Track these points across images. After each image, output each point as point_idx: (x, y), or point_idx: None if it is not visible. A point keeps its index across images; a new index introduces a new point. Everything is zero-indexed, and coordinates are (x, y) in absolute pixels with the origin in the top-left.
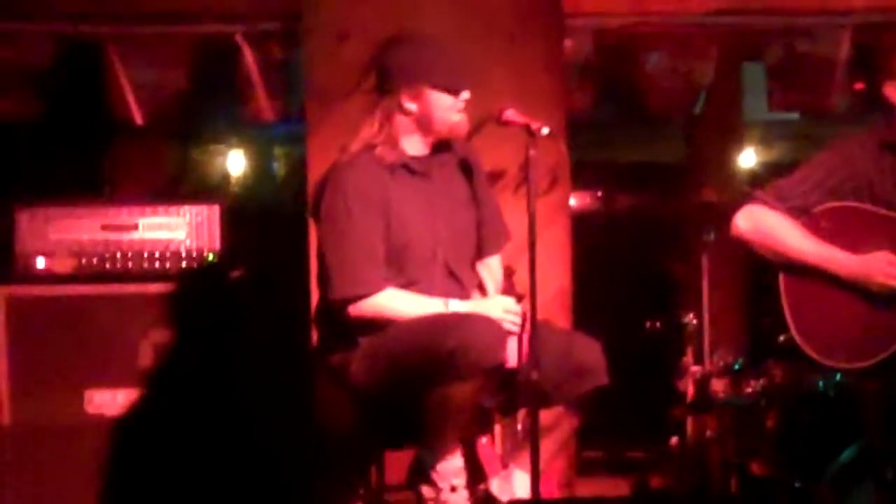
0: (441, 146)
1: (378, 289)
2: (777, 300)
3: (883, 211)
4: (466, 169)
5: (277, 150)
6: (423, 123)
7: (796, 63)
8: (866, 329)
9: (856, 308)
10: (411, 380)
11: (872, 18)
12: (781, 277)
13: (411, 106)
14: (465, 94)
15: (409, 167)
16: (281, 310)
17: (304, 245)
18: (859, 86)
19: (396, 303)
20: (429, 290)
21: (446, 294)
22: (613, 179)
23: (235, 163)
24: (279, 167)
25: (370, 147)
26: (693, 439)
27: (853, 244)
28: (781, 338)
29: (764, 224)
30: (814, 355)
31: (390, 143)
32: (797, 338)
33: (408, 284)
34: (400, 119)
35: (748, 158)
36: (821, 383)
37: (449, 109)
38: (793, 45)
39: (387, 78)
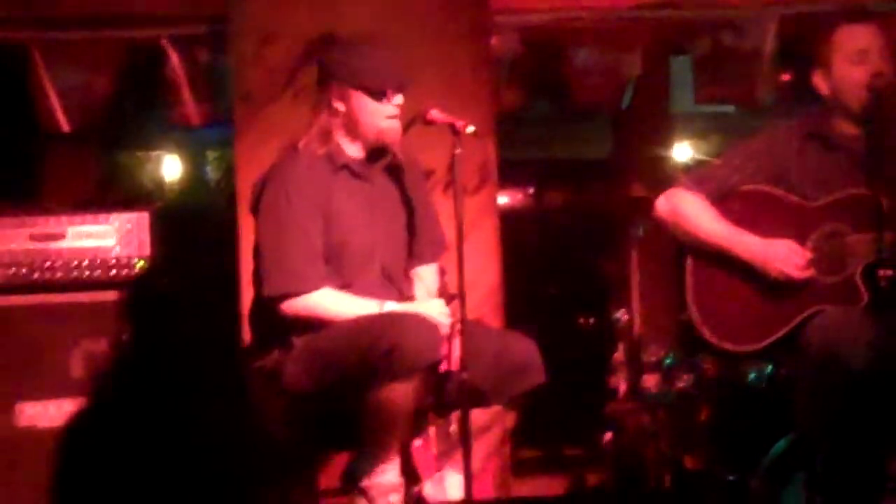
0: (380, 151)
1: (314, 287)
2: (682, 281)
3: (795, 198)
4: (406, 175)
5: (210, 154)
6: (351, 126)
7: (723, 56)
8: (758, 314)
9: (752, 293)
10: (348, 381)
11: (798, 9)
12: (689, 259)
13: (339, 106)
14: (397, 100)
15: (350, 169)
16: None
17: (235, 249)
18: (786, 77)
19: (331, 302)
20: (365, 292)
21: (383, 296)
22: (544, 176)
23: (168, 167)
24: (212, 170)
25: (311, 145)
26: (626, 435)
27: (761, 229)
28: (682, 316)
29: (680, 206)
30: (707, 336)
31: (325, 141)
32: (694, 318)
33: (344, 286)
34: (332, 118)
35: (683, 152)
36: (752, 376)
37: (375, 114)
38: (719, 38)
39: (321, 74)
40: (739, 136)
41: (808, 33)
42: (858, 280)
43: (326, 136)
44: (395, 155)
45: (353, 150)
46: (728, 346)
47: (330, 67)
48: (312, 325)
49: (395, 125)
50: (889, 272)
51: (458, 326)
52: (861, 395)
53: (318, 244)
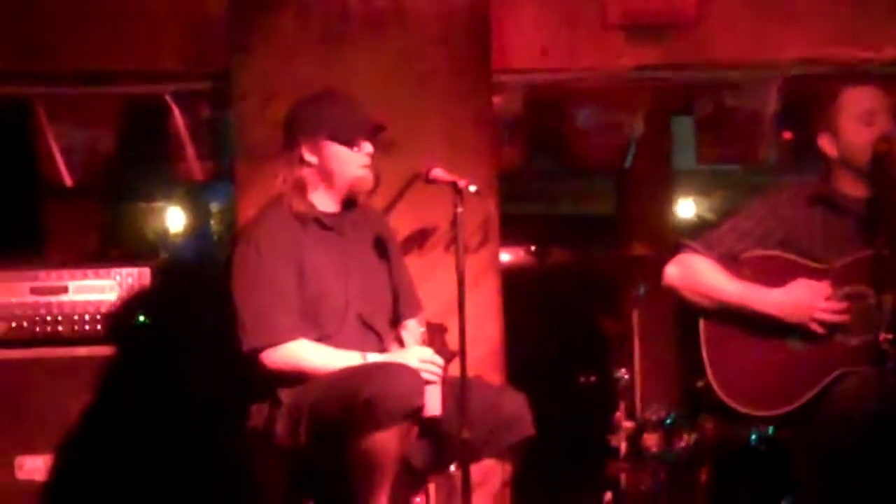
0: (351, 206)
1: (291, 337)
2: (696, 346)
3: (806, 262)
4: (379, 237)
5: (214, 208)
6: (325, 176)
7: (725, 116)
8: (781, 379)
9: (776, 354)
10: (333, 434)
11: (801, 71)
12: (702, 323)
13: (311, 158)
14: (367, 148)
15: (320, 222)
16: (214, 370)
17: None
18: (787, 136)
19: (311, 353)
20: (343, 344)
21: (362, 347)
22: (546, 233)
23: (172, 221)
24: (215, 224)
25: (281, 199)
26: (626, 495)
27: None
28: (699, 384)
29: (692, 270)
30: (729, 401)
31: (298, 195)
32: (714, 383)
33: (322, 338)
34: (305, 172)
35: (687, 209)
36: (753, 437)
37: (347, 162)
38: (721, 99)
39: (289, 130)
40: (743, 193)
41: (812, 96)
42: (885, 343)
43: (301, 189)
44: (368, 210)
45: (327, 204)
46: (753, 412)
47: (300, 120)
48: (296, 378)
49: (368, 174)
50: None
51: (443, 375)
52: (879, 460)
53: (293, 297)
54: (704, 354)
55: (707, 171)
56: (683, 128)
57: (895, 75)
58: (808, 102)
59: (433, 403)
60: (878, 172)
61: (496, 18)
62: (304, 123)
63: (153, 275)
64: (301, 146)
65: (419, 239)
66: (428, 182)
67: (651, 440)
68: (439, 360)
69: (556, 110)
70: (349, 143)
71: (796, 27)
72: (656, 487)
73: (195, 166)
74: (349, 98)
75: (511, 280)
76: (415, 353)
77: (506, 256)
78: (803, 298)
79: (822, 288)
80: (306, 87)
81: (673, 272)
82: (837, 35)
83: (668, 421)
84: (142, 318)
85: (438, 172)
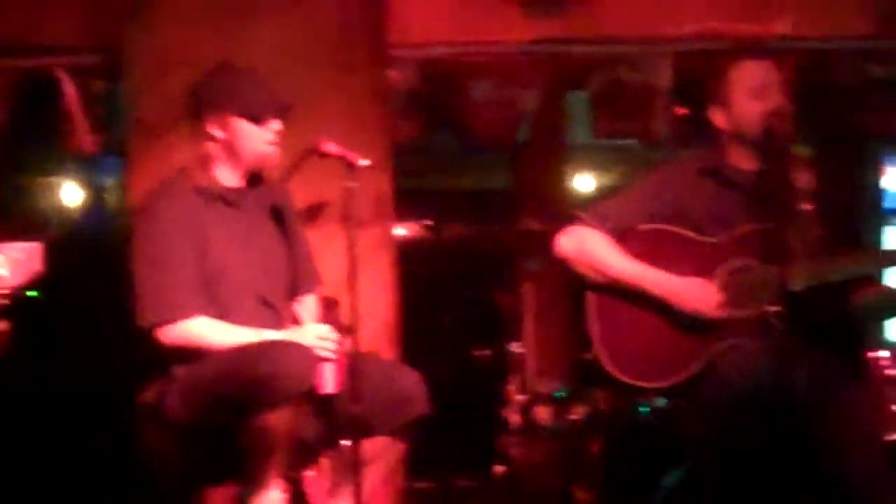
0: (255, 181)
1: (189, 314)
2: (583, 318)
3: (694, 235)
4: (279, 211)
5: (107, 182)
6: (230, 152)
7: (620, 91)
8: (668, 350)
9: (662, 329)
10: (226, 410)
11: (694, 46)
12: (590, 296)
13: (218, 133)
14: (275, 126)
15: (223, 198)
16: (105, 344)
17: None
18: (682, 111)
19: (208, 331)
20: (242, 320)
21: (261, 325)
22: (442, 208)
23: (66, 195)
24: (109, 199)
25: (184, 174)
26: (518, 467)
27: (665, 266)
28: (586, 356)
29: (585, 244)
30: (616, 373)
31: (202, 170)
32: (600, 356)
33: (221, 315)
34: (210, 146)
35: (586, 183)
36: (643, 409)
37: (254, 139)
38: (616, 74)
39: (196, 104)
40: (639, 168)
41: (704, 70)
42: (771, 315)
43: (205, 164)
44: (270, 184)
45: (231, 179)
46: (639, 383)
47: (206, 95)
48: (191, 354)
49: (275, 151)
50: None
51: (339, 351)
52: (765, 430)
53: (193, 273)
54: (592, 327)
55: (607, 145)
56: (580, 103)
57: (786, 50)
58: (701, 77)
59: (327, 381)
60: (768, 146)
61: None
62: (211, 98)
63: (44, 250)
64: (206, 121)
65: (313, 213)
66: (320, 156)
67: (543, 413)
68: (333, 337)
69: (451, 84)
70: (258, 120)
71: (690, 2)
72: (548, 460)
73: (87, 140)
74: (257, 74)
75: (406, 255)
76: (311, 331)
77: (401, 231)
78: (694, 293)
79: (712, 294)
80: (201, 60)
81: (565, 243)
82: (730, 10)
83: (560, 394)
84: (32, 293)
85: (331, 147)
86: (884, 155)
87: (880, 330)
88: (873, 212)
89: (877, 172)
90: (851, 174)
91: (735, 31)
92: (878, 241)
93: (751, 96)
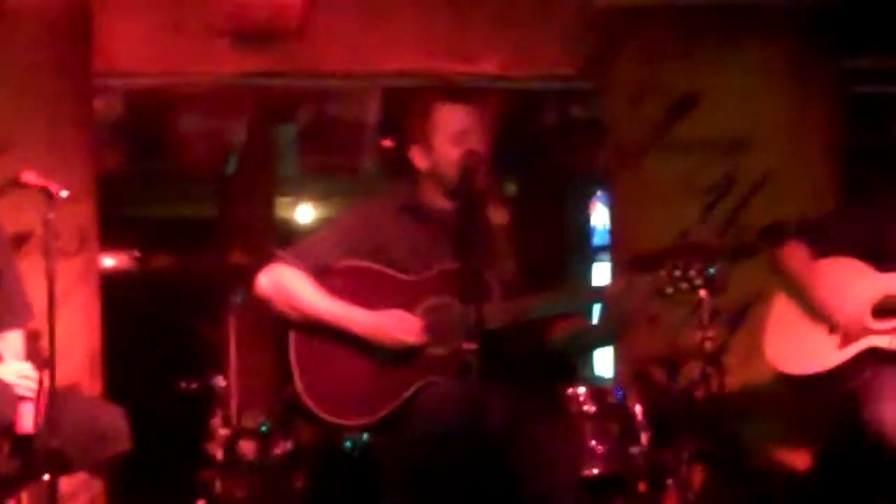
0: None
1: None
2: (286, 356)
3: (394, 273)
4: None
5: None
6: None
7: (327, 125)
8: (368, 388)
9: (363, 365)
10: None
11: (400, 83)
12: (292, 334)
13: None
14: None
15: None
16: None
17: None
18: (388, 146)
19: None
20: None
21: None
22: (150, 238)
23: None
24: None
25: None
26: (221, 501)
27: (366, 303)
28: (288, 392)
29: (283, 282)
30: (317, 410)
31: None
32: (302, 392)
33: None
34: None
35: (305, 214)
36: (347, 444)
37: None
38: (323, 108)
39: None
40: (347, 201)
41: (407, 107)
42: (468, 352)
43: None
44: None
45: None
46: (339, 420)
47: None
48: None
49: None
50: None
51: (40, 389)
52: (463, 466)
53: None
54: (294, 364)
55: (316, 178)
56: (288, 135)
57: (492, 90)
58: (406, 115)
59: (26, 420)
60: (466, 187)
61: (99, 20)
62: None
63: None
64: None
65: (16, 245)
66: (20, 187)
67: (247, 447)
68: (34, 376)
69: (159, 115)
70: None
71: (398, 39)
72: (251, 494)
73: None
74: None
75: (113, 285)
76: (12, 369)
77: (108, 261)
78: (392, 323)
79: (412, 322)
80: None
81: (264, 282)
82: (437, 48)
83: (264, 428)
84: None
85: (30, 177)
86: (591, 193)
87: (587, 366)
88: (581, 249)
89: (584, 210)
90: (557, 212)
91: (442, 70)
92: (586, 278)
93: (450, 141)
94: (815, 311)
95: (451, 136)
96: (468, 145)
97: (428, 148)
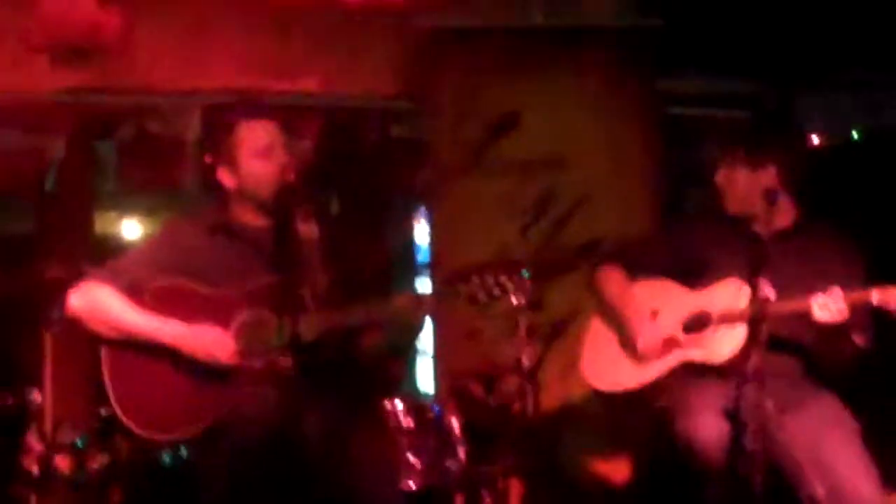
0: None
1: None
2: (100, 373)
3: (206, 289)
4: None
5: None
6: None
7: (147, 141)
8: (185, 402)
9: (179, 380)
10: None
11: (219, 100)
12: (104, 351)
13: None
14: None
15: None
16: None
17: None
18: (208, 163)
19: None
20: None
21: None
22: None
23: None
24: None
25: None
26: None
27: (181, 321)
28: (102, 411)
29: (95, 299)
30: (131, 425)
31: None
32: (117, 408)
33: None
34: None
35: (131, 230)
36: (165, 457)
37: None
38: (143, 125)
39: None
40: (168, 217)
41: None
42: (283, 365)
43: None
44: None
45: None
46: (156, 435)
47: None
48: None
49: None
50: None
51: None
52: (280, 479)
53: None
54: (107, 380)
55: (137, 193)
56: (108, 151)
57: (314, 107)
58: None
59: None
60: (276, 203)
61: None
62: None
63: None
64: None
65: None
66: None
67: (63, 462)
68: None
69: None
70: None
71: (219, 57)
72: None
73: None
74: None
75: None
76: None
77: None
78: (207, 340)
79: (225, 339)
80: None
81: (75, 301)
82: (258, 66)
83: (80, 443)
84: None
85: None
86: (414, 210)
87: (410, 379)
88: (404, 265)
89: (408, 228)
90: (378, 229)
91: (262, 87)
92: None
93: (255, 157)
94: (626, 334)
95: (256, 152)
96: (274, 160)
97: (234, 166)
